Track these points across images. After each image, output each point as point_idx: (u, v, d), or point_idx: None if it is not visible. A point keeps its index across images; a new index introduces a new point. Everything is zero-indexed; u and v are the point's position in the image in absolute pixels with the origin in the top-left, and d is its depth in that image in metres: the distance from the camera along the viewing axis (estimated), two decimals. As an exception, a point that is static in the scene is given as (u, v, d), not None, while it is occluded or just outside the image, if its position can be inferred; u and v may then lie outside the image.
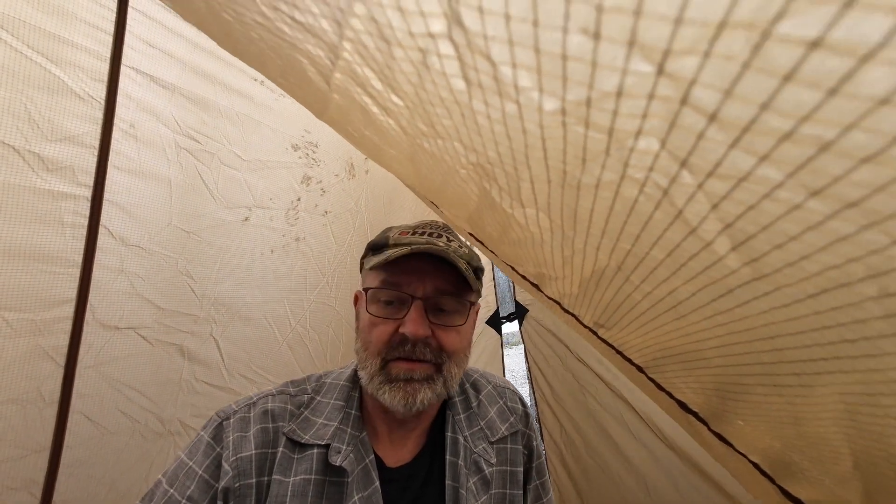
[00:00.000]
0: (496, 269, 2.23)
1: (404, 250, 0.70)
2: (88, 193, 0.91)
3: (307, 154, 1.25)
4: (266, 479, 0.67)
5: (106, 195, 0.94)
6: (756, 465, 0.70)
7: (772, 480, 0.69)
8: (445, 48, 0.35)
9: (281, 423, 0.71)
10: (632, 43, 0.24)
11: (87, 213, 0.92)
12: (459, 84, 0.37)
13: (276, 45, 0.59)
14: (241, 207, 1.15)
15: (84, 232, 0.92)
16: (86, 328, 0.94)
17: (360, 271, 0.81)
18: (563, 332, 1.98)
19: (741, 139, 0.26)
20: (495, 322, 2.25)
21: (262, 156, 1.18)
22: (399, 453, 0.76)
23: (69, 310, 0.92)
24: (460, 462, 0.75)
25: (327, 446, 0.69)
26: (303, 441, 0.69)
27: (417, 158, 0.63)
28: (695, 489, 1.60)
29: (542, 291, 0.75)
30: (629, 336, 0.71)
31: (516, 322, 2.22)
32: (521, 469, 0.83)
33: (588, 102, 0.29)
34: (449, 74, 0.38)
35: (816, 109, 0.22)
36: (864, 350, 0.38)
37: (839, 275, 0.34)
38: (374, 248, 0.77)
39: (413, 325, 0.68)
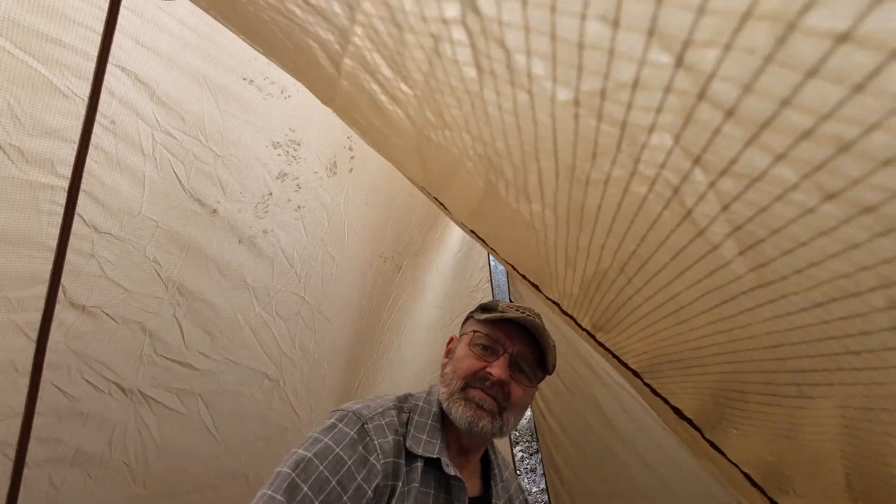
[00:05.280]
0: (491, 259, 2.22)
1: (515, 315, 0.89)
2: (65, 184, 0.96)
3: (287, 152, 1.30)
4: (391, 483, 0.78)
5: (82, 186, 0.98)
6: (747, 476, 0.70)
7: (763, 492, 0.69)
8: (458, 34, 0.34)
9: (400, 430, 0.84)
10: (651, 31, 0.23)
11: (63, 202, 0.96)
12: (471, 72, 0.37)
13: (286, 28, 0.58)
14: (210, 200, 1.20)
15: (59, 219, 0.97)
16: (57, 306, 1.00)
17: (465, 322, 1.00)
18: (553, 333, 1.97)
19: (758, 136, 0.25)
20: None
21: (240, 152, 1.22)
22: (468, 482, 0.89)
23: (42, 290, 0.98)
24: (499, 490, 0.94)
25: (437, 460, 0.82)
26: (417, 453, 0.81)
27: (424, 150, 0.62)
28: (688, 490, 1.60)
29: (541, 292, 0.74)
30: (628, 340, 0.70)
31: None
32: None
33: (602, 94, 0.28)
34: (461, 62, 0.37)
35: (839, 107, 0.21)
36: (869, 362, 0.37)
37: (848, 284, 0.33)
38: (485, 308, 0.96)
39: (498, 368, 0.85)
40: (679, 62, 0.24)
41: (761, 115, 0.24)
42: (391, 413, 0.85)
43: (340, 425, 0.78)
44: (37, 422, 1.00)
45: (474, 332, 0.92)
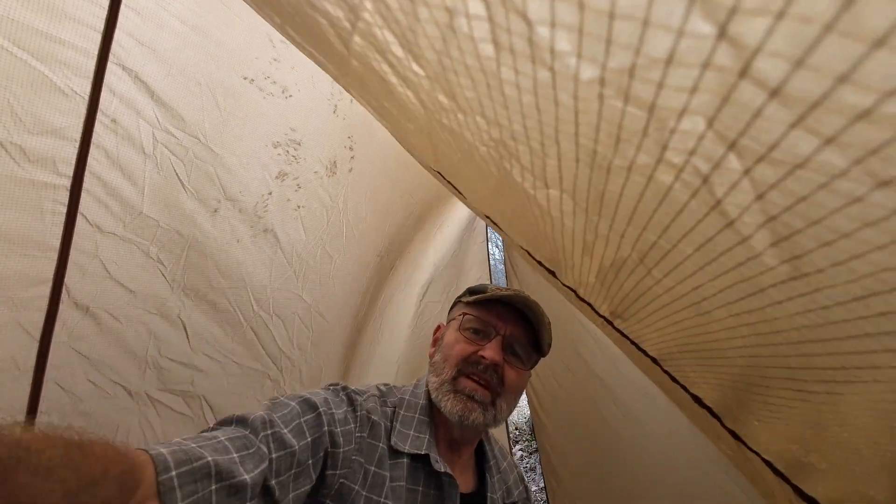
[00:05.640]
0: (490, 258, 2.20)
1: (505, 294, 0.86)
2: (68, 183, 0.95)
3: (287, 151, 1.29)
4: (372, 469, 0.76)
5: (84, 185, 0.97)
6: (769, 464, 0.68)
7: (786, 480, 0.67)
8: (475, 7, 0.32)
9: (385, 422, 0.82)
10: (694, -2, 0.21)
11: (66, 201, 0.96)
12: (488, 49, 0.34)
13: (295, 2, 0.56)
14: (211, 199, 1.20)
15: (62, 219, 0.96)
16: (60, 306, 1.00)
17: (452, 307, 0.97)
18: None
19: (805, 118, 0.23)
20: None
21: (240, 151, 1.21)
22: (461, 477, 0.86)
23: (45, 289, 0.97)
24: (495, 482, 0.90)
25: (426, 456, 0.80)
26: (404, 450, 0.79)
27: (435, 135, 0.60)
28: (685, 489, 1.58)
29: (557, 279, 0.72)
30: (646, 328, 0.68)
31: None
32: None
33: (631, 71, 0.26)
34: (477, 38, 0.35)
35: (907, 84, 0.19)
36: (911, 361, 0.35)
37: (894, 278, 0.31)
38: (473, 291, 0.92)
39: (491, 350, 0.82)
40: (722, 33, 0.21)
41: (811, 94, 0.22)
42: (374, 399, 0.84)
43: (331, 387, 0.82)
44: (39, 420, 1.00)
45: (463, 315, 0.88)
